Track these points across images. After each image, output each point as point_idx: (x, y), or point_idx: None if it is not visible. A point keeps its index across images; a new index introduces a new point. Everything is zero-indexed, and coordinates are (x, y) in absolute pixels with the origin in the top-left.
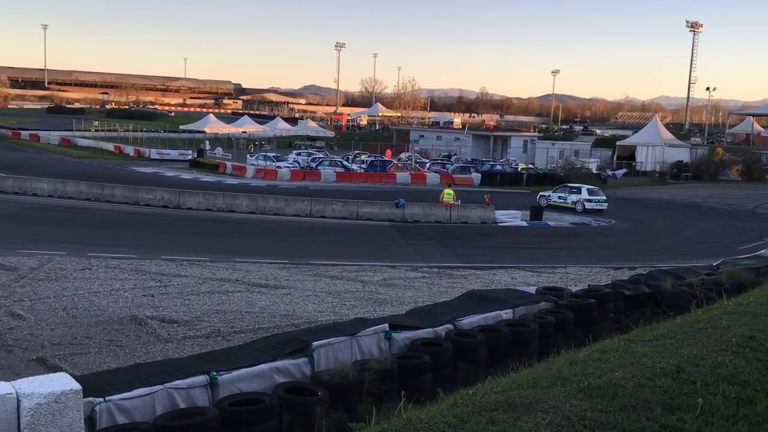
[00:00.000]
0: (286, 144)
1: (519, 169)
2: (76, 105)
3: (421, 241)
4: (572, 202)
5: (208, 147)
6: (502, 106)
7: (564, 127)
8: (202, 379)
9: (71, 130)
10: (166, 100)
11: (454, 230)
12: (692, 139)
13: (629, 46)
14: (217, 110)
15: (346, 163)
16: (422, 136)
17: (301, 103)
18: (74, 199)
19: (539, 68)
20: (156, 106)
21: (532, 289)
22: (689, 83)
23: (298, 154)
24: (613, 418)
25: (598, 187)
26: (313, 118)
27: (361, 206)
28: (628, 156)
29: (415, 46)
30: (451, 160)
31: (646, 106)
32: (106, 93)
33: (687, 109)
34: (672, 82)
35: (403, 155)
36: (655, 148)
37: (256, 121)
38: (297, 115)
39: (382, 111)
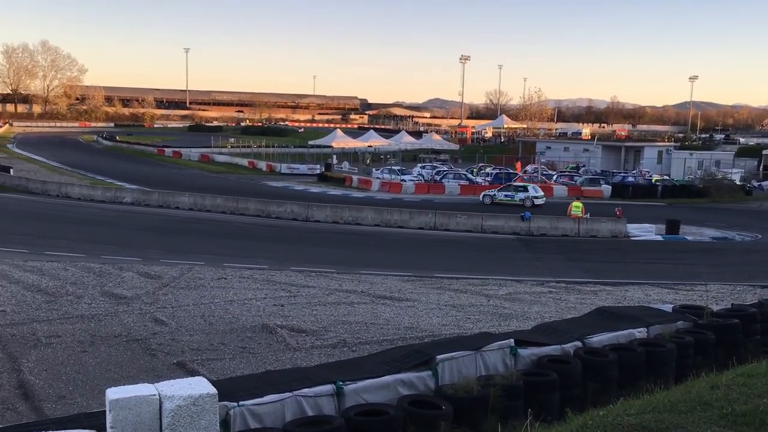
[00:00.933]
0: (410, 157)
1: (653, 180)
2: (214, 123)
3: (547, 255)
4: (520, 199)
5: (335, 161)
6: (634, 115)
7: (703, 136)
8: (328, 388)
9: (209, 147)
10: (296, 116)
11: (582, 244)
12: None
13: None
14: (344, 125)
15: (470, 175)
16: (549, 147)
17: (426, 117)
18: (212, 212)
19: (675, 74)
20: (287, 123)
21: (668, 307)
22: None
23: (423, 168)
24: None
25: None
26: (437, 132)
27: (485, 219)
28: None
29: (542, 56)
30: (580, 171)
31: None
32: (241, 111)
33: None
34: None
35: (529, 167)
36: None
37: (381, 135)
38: (421, 129)
39: (507, 123)
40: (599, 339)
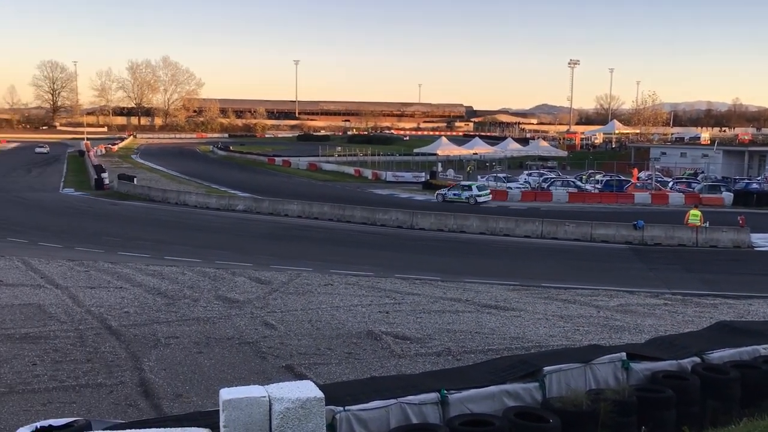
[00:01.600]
0: (516, 165)
1: None
2: (322, 132)
3: (662, 266)
4: (465, 197)
5: (440, 169)
6: (759, 118)
7: None
8: (433, 396)
9: (317, 156)
10: (402, 124)
11: (701, 254)
12: None
13: None
14: (449, 133)
15: (579, 183)
16: (664, 153)
17: (533, 123)
18: (319, 220)
19: None
20: (392, 131)
21: None
22: None
23: (529, 175)
24: None
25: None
26: (544, 138)
27: (595, 228)
28: None
29: (656, 58)
30: (698, 178)
31: None
32: (348, 120)
33: None
34: None
35: (642, 174)
36: None
37: (486, 143)
38: (528, 136)
39: (618, 128)
40: (720, 355)
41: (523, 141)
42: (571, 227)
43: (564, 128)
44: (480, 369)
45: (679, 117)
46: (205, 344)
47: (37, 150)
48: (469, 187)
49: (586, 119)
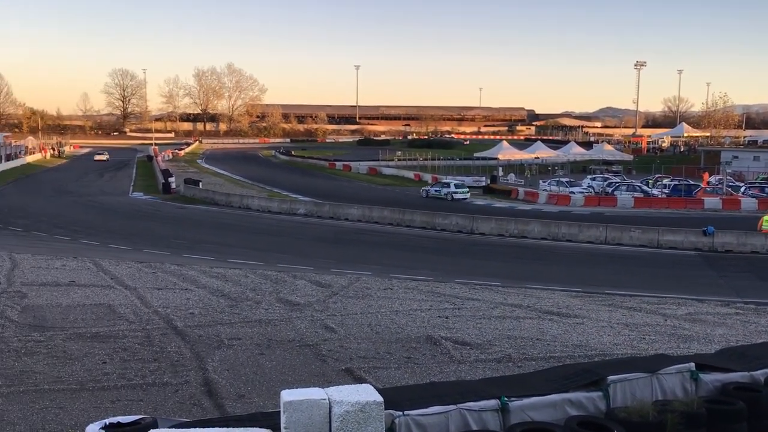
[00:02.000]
0: (579, 169)
1: None
2: (382, 137)
3: (734, 273)
4: (444, 193)
5: (500, 173)
6: None
7: None
8: (493, 403)
9: (377, 160)
10: (462, 128)
11: None
12: None
13: None
14: (510, 137)
15: (645, 187)
16: (736, 157)
17: (597, 127)
18: (379, 224)
19: None
20: (452, 135)
21: None
22: None
23: (593, 179)
24: None
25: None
26: (609, 142)
27: (662, 234)
28: None
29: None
30: None
31: None
32: (408, 125)
33: None
34: None
35: (712, 178)
36: None
37: (549, 146)
38: (592, 139)
39: (687, 131)
40: None
41: (587, 145)
42: (636, 233)
43: (629, 131)
44: (541, 377)
45: (753, 119)
46: (267, 346)
47: (96, 157)
48: (448, 185)
49: (652, 122)
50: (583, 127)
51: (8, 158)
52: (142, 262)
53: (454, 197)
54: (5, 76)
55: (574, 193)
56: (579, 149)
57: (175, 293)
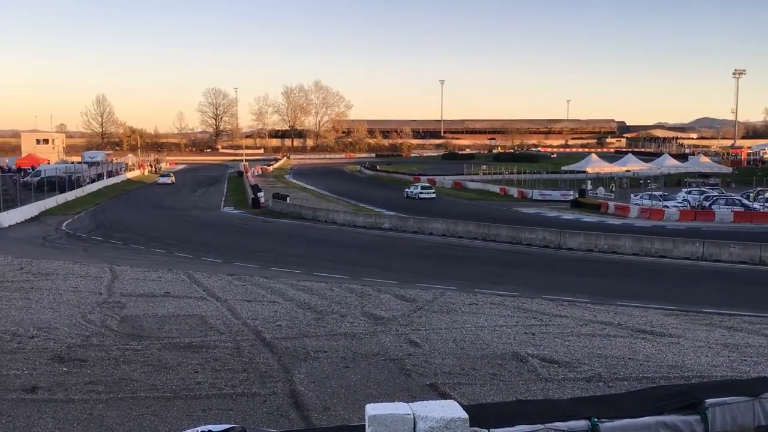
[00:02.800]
0: (674, 182)
1: None
2: (467, 151)
3: None
4: (414, 194)
5: (589, 187)
6: None
7: None
8: (583, 424)
9: (462, 174)
10: (549, 141)
11: None
12: None
13: None
14: (599, 149)
15: (745, 201)
16: None
17: (692, 138)
18: (464, 238)
19: None
20: (539, 149)
21: None
22: None
23: (688, 193)
24: None
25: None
26: (705, 153)
27: (765, 250)
28: None
29: None
30: None
31: None
32: (493, 138)
33: None
34: None
35: None
36: None
37: (640, 159)
38: (687, 151)
39: None
40: None
41: (682, 157)
42: (736, 249)
43: (728, 143)
44: (634, 398)
45: None
46: (352, 359)
47: (161, 180)
48: (417, 187)
49: (753, 132)
50: (677, 138)
51: (110, 175)
52: (232, 274)
53: (420, 197)
54: (108, 98)
55: (668, 207)
56: (673, 161)
57: (264, 305)
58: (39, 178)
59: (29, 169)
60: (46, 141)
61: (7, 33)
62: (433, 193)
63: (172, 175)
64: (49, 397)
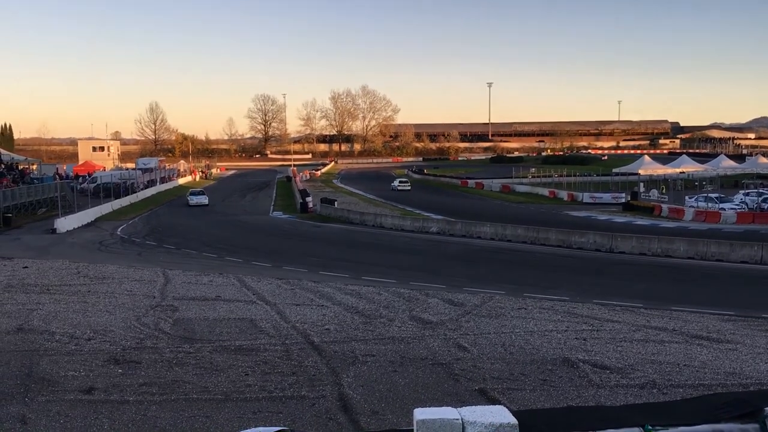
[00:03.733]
0: (731, 184)
1: None
2: (515, 154)
3: None
4: (394, 187)
5: (642, 189)
6: None
7: None
8: (635, 431)
9: (510, 178)
10: (599, 143)
11: None
12: None
13: None
14: (652, 151)
15: None
16: None
17: (750, 138)
18: (512, 242)
19: None
20: (589, 151)
21: None
22: None
23: (746, 194)
24: None
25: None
26: (764, 154)
27: None
28: None
29: None
30: None
31: None
32: (542, 141)
33: None
34: None
35: None
36: None
37: (695, 160)
38: (744, 152)
39: None
40: None
41: (739, 158)
42: None
43: None
44: (689, 405)
45: None
46: (400, 363)
47: (192, 201)
48: (396, 180)
49: None
50: (734, 139)
51: (163, 181)
52: (281, 278)
53: (397, 189)
54: (160, 105)
55: (724, 209)
56: (730, 162)
57: (312, 309)
58: (95, 184)
59: (86, 175)
60: (102, 148)
61: (65, 40)
62: (408, 185)
63: (204, 194)
64: (104, 398)
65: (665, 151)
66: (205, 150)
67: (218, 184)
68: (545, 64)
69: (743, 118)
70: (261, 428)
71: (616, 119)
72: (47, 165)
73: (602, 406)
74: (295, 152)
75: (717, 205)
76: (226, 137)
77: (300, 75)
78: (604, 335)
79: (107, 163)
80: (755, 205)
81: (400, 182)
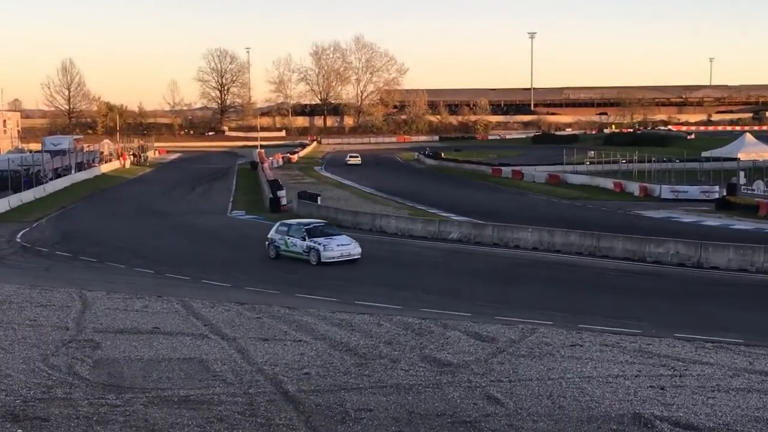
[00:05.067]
0: None
1: None
2: (567, 131)
3: None
4: (346, 161)
5: (742, 180)
6: None
7: None
8: None
9: (560, 164)
10: (684, 117)
11: None
12: None
13: None
14: (756, 127)
15: None
16: None
17: None
18: (562, 253)
19: None
20: (669, 127)
21: None
22: None
23: None
24: None
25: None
26: None
27: None
28: None
29: None
30: None
31: None
32: (605, 113)
33: None
34: None
35: None
36: None
37: None
38: None
39: None
40: None
41: None
42: None
43: None
44: None
45: None
46: (407, 422)
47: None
48: (348, 156)
49: None
50: None
51: (80, 167)
52: (243, 303)
53: (348, 163)
54: (77, 64)
55: None
56: None
57: (286, 346)
58: None
59: None
60: None
61: None
62: (359, 159)
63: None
64: None
65: None
66: (138, 125)
67: (157, 172)
68: (608, 9)
69: None
70: None
71: (707, 84)
72: None
73: None
74: (263, 128)
75: None
76: (167, 108)
77: (270, 21)
78: (689, 382)
79: (3, 142)
80: None
81: (350, 156)
